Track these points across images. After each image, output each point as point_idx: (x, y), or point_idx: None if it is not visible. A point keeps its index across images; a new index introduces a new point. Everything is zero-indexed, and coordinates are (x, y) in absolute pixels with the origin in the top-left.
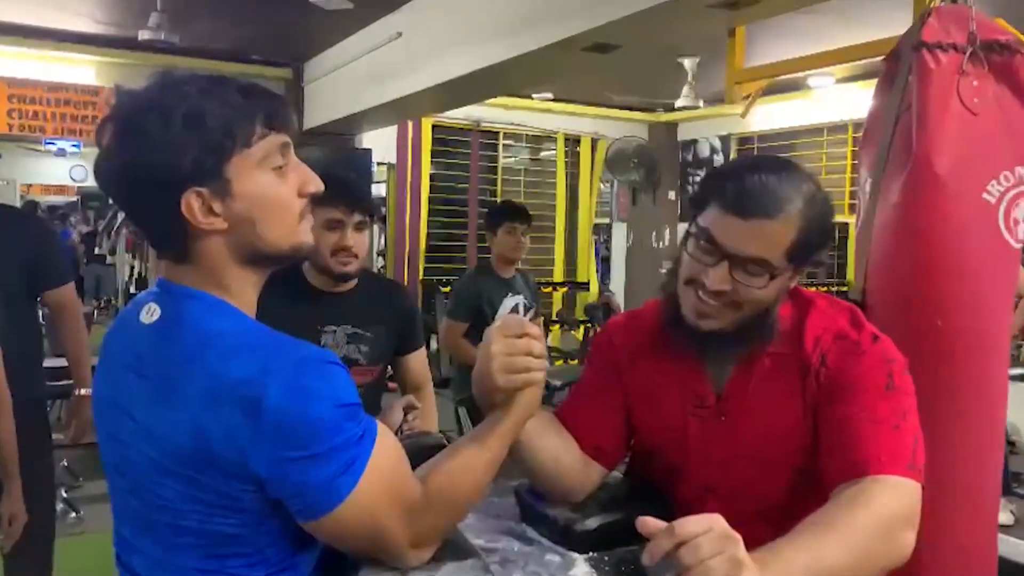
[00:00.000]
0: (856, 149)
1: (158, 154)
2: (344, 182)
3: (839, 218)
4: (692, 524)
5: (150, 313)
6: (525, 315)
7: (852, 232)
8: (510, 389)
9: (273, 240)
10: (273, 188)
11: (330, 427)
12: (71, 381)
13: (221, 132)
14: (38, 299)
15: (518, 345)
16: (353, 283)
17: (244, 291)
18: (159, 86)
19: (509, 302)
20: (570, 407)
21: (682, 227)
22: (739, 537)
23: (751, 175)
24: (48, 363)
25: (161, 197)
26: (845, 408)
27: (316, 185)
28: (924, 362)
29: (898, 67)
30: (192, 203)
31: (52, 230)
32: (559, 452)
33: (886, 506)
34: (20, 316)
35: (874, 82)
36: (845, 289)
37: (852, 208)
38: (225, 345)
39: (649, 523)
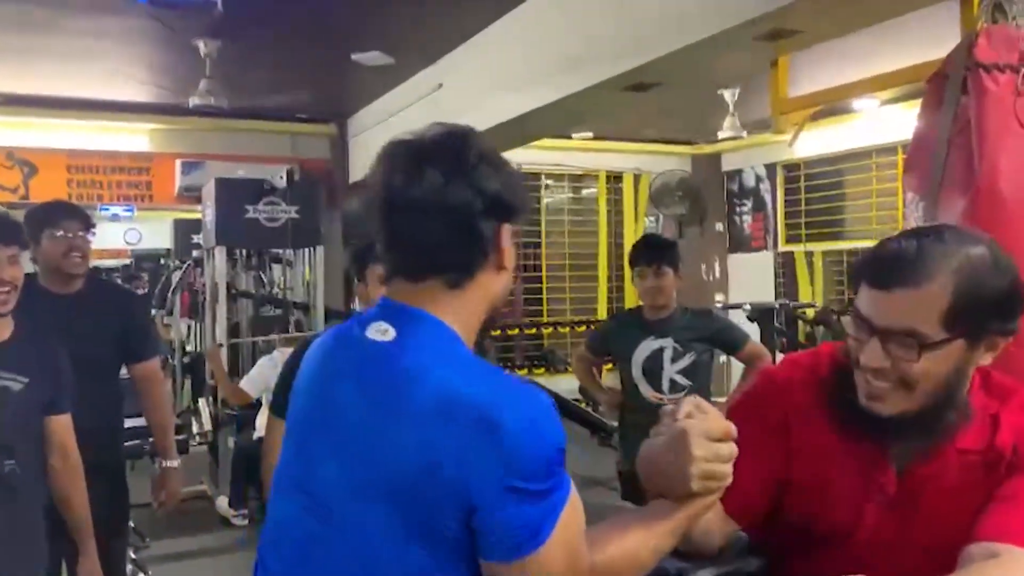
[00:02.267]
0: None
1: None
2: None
3: None
4: None
5: (382, 332)
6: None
7: None
8: (703, 495)
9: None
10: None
11: (553, 467)
12: (138, 442)
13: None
14: (122, 367)
15: (722, 452)
16: None
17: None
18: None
19: (646, 347)
20: None
21: (732, 258)
22: None
23: (893, 244)
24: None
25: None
26: (1014, 484)
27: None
28: None
29: (945, 87)
30: (506, 235)
31: (145, 305)
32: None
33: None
34: (107, 385)
35: (919, 102)
36: None
37: None
38: (461, 365)
39: None
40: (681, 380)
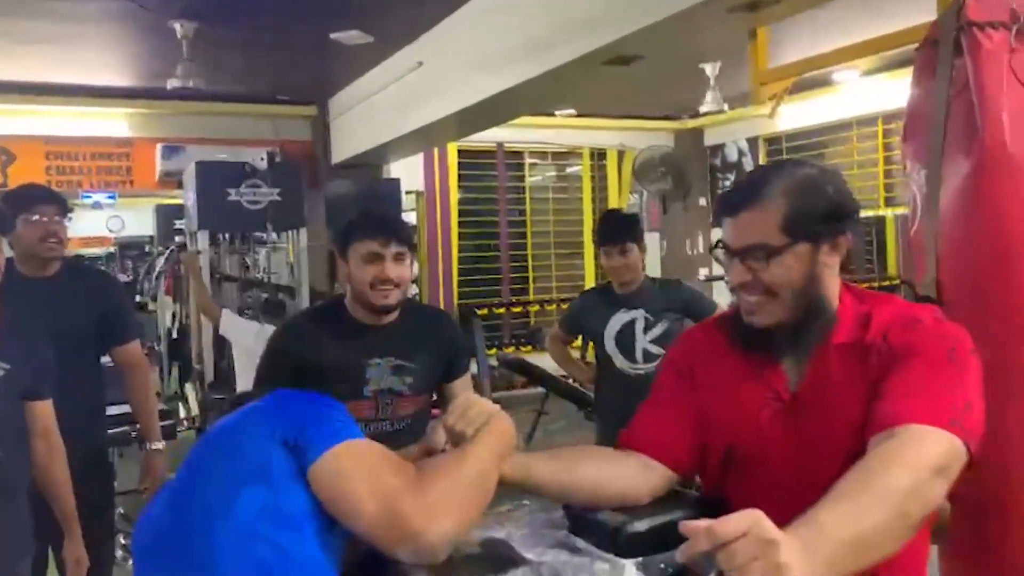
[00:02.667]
0: (887, 141)
1: None
2: (379, 215)
3: (873, 212)
4: (730, 525)
5: None
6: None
7: (890, 226)
8: (473, 430)
9: None
10: None
11: (329, 403)
12: (125, 428)
13: None
14: (103, 351)
15: (463, 404)
16: (396, 315)
17: None
18: None
19: (617, 320)
20: (639, 418)
21: (716, 232)
22: (780, 539)
23: (741, 181)
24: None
25: None
26: (895, 373)
27: None
28: (1009, 350)
29: (937, 53)
30: None
31: (121, 285)
32: (601, 480)
33: (922, 457)
34: (87, 368)
35: (902, 72)
36: (887, 284)
37: (888, 201)
38: None
39: (690, 526)
40: (654, 349)
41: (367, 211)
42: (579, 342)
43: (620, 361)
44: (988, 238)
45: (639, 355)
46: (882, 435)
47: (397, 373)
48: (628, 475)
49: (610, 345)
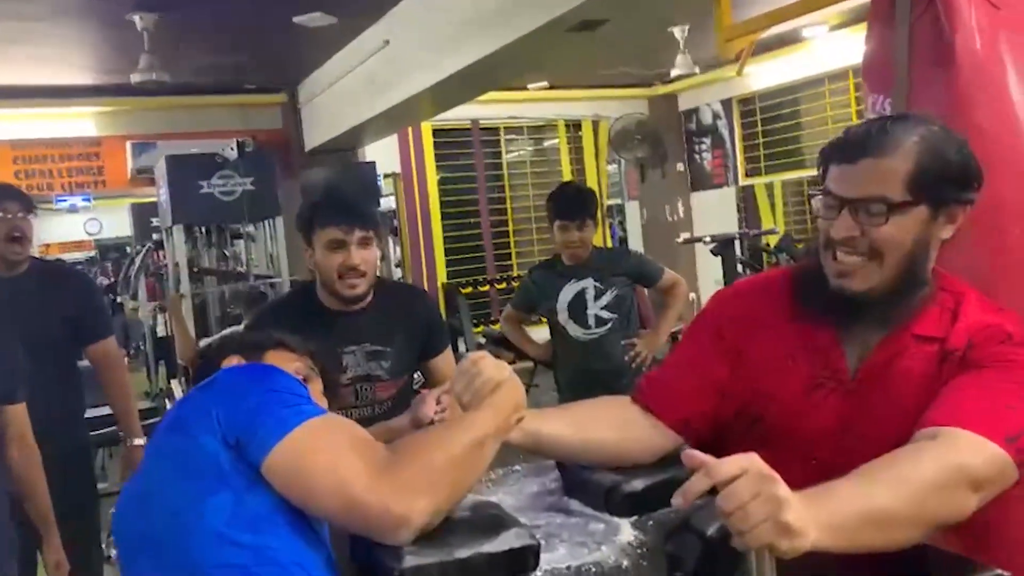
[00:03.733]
0: (859, 95)
1: None
2: (341, 199)
3: None
4: (727, 465)
5: None
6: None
7: None
8: (479, 402)
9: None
10: None
11: (275, 380)
12: (113, 428)
13: None
14: (79, 351)
15: (469, 371)
16: (368, 299)
17: None
18: None
19: (569, 291)
20: (658, 378)
21: (695, 196)
22: (776, 475)
23: (860, 126)
24: (90, 412)
25: None
26: (967, 378)
27: None
28: (996, 275)
29: None
30: None
31: (95, 284)
32: (605, 441)
33: (956, 460)
34: (63, 369)
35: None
36: None
37: None
38: None
39: (695, 456)
40: (605, 315)
41: (329, 195)
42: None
43: (573, 328)
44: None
45: (591, 321)
46: (926, 432)
47: (373, 359)
48: (640, 438)
49: (563, 316)
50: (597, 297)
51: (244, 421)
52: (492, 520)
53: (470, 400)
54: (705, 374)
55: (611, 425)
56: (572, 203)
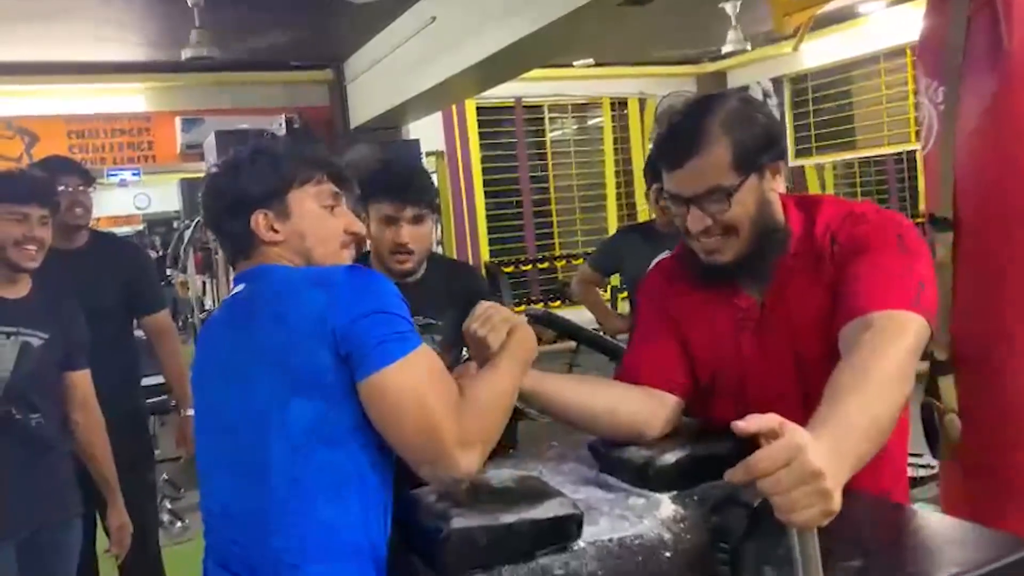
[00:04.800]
0: (917, 73)
1: (237, 186)
2: (397, 173)
3: (905, 147)
4: (770, 460)
5: (235, 290)
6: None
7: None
8: (499, 337)
9: (318, 253)
10: (321, 216)
11: (387, 299)
12: (165, 397)
13: (288, 171)
14: (134, 321)
15: (488, 311)
16: (421, 272)
17: None
18: (255, 144)
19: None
20: (633, 353)
21: None
22: (820, 470)
23: (670, 129)
24: (146, 381)
25: (237, 217)
26: (853, 267)
27: (358, 228)
28: None
29: None
30: (259, 220)
31: (149, 257)
32: (613, 402)
33: (905, 342)
34: (118, 338)
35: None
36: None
37: (919, 136)
38: (296, 269)
39: (738, 424)
40: None
41: (385, 168)
42: (607, 294)
43: None
44: (1015, 158)
45: None
46: (856, 324)
47: (426, 331)
48: (642, 403)
49: None
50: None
51: (358, 338)
52: (535, 490)
53: (486, 335)
54: (667, 334)
55: (616, 390)
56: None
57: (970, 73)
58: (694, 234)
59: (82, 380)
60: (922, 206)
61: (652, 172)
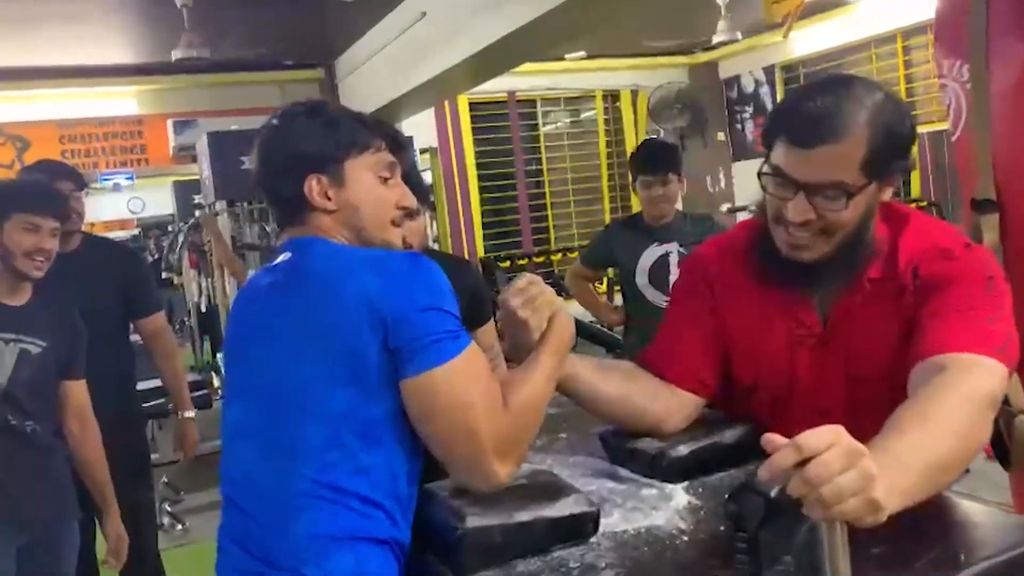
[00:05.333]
0: (908, 59)
1: (292, 145)
2: (406, 154)
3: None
4: (816, 438)
5: (281, 258)
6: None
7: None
8: (541, 322)
9: (369, 227)
10: (375, 188)
11: (441, 293)
12: (162, 400)
13: (347, 137)
14: (130, 324)
15: (528, 289)
16: None
17: None
18: (312, 103)
19: (651, 253)
20: (658, 346)
21: (737, 167)
22: (865, 450)
23: (809, 102)
24: (140, 385)
25: (290, 178)
26: (935, 303)
27: (411, 202)
28: None
29: None
30: (313, 185)
31: (144, 259)
32: (637, 397)
33: (979, 387)
34: (113, 342)
35: None
36: (914, 205)
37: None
38: (347, 249)
39: (774, 439)
40: None
41: (393, 148)
42: (603, 286)
43: (653, 294)
44: None
45: None
46: (932, 364)
47: None
48: (667, 401)
49: (642, 280)
50: (681, 263)
51: (409, 334)
52: (550, 487)
53: (527, 317)
54: (702, 330)
55: (638, 379)
56: (654, 158)
57: (996, 45)
58: (789, 222)
59: (78, 390)
60: (915, 191)
61: (637, 164)
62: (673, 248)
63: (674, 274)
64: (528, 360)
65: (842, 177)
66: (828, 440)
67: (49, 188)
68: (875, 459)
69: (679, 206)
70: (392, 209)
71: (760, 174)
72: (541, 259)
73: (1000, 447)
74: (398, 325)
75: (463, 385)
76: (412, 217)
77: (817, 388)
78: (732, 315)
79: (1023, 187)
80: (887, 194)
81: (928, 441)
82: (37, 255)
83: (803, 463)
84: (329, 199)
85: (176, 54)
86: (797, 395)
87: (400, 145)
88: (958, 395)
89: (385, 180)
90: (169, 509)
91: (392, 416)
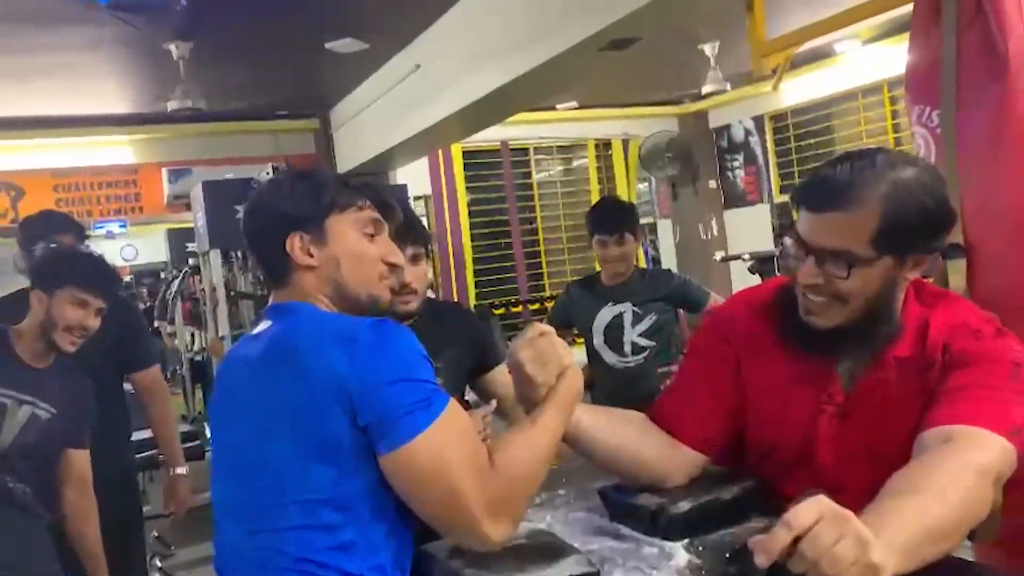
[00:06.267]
0: (894, 109)
1: (275, 206)
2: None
3: None
4: (804, 513)
5: (262, 326)
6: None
7: None
8: (549, 378)
9: (352, 282)
10: (358, 243)
11: (410, 362)
12: (154, 452)
13: (328, 197)
14: (124, 377)
15: (541, 343)
16: (414, 315)
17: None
18: (298, 169)
19: (606, 314)
20: (671, 400)
21: (728, 215)
22: (851, 514)
23: (831, 169)
24: (134, 435)
25: (273, 238)
26: (956, 378)
27: (398, 258)
28: None
29: None
30: (295, 242)
31: (140, 312)
32: (642, 452)
33: (982, 460)
34: (108, 395)
35: (902, 37)
36: None
37: None
38: (322, 317)
39: (761, 543)
40: (643, 342)
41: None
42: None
43: (608, 355)
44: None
45: (627, 348)
46: (938, 433)
47: None
48: (672, 460)
49: (598, 340)
50: (635, 323)
51: (379, 411)
52: (549, 547)
53: (535, 374)
54: (718, 391)
55: (643, 433)
56: (610, 217)
57: (967, 89)
58: (801, 285)
59: (80, 459)
60: None
61: (593, 222)
62: (627, 308)
63: (628, 334)
64: (533, 416)
65: (849, 246)
66: (815, 513)
67: (106, 267)
68: (869, 521)
69: (671, 259)
70: (377, 264)
71: (783, 233)
72: (536, 306)
73: None
74: (367, 403)
75: (441, 453)
76: (416, 262)
77: (836, 461)
78: (756, 377)
79: (990, 232)
80: (914, 272)
81: (923, 503)
82: (77, 331)
83: (797, 539)
84: (311, 255)
85: (172, 104)
86: (814, 466)
87: (387, 206)
88: (959, 463)
89: (371, 237)
90: (160, 564)
91: (371, 490)
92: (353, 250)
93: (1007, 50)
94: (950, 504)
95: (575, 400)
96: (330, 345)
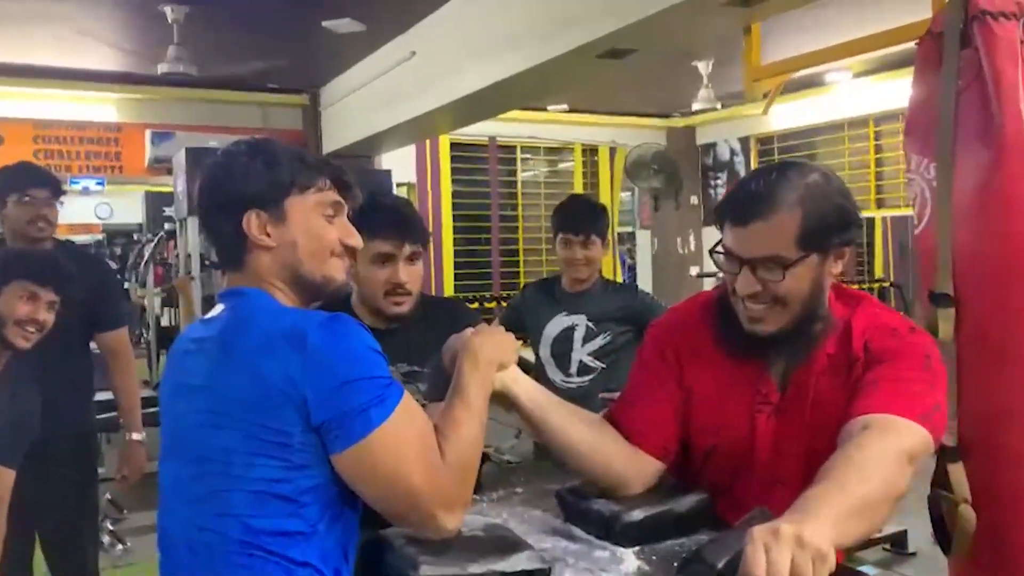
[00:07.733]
0: (879, 143)
1: (233, 182)
2: (393, 208)
3: (866, 212)
4: (752, 557)
5: (216, 311)
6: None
7: (878, 229)
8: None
9: (307, 264)
10: (316, 225)
11: (362, 359)
12: (113, 414)
13: (288, 175)
14: (91, 335)
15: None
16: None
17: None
18: (255, 140)
19: (557, 323)
20: (628, 408)
21: (706, 231)
22: (778, 525)
23: (747, 184)
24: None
25: (229, 215)
26: (873, 373)
27: (356, 241)
28: None
29: (941, 45)
30: (252, 219)
31: (114, 273)
32: (606, 454)
33: (898, 442)
34: (73, 353)
35: (892, 74)
36: (875, 286)
37: (879, 203)
38: (274, 311)
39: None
40: (591, 363)
41: (378, 203)
42: None
43: (552, 371)
44: (1010, 233)
45: (574, 368)
46: (858, 422)
47: (411, 380)
48: (633, 466)
49: (544, 352)
50: (587, 339)
51: (332, 411)
52: (504, 541)
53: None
54: (669, 399)
55: (603, 434)
56: (579, 216)
57: (962, 150)
58: (741, 297)
59: (5, 477)
60: (879, 271)
61: (560, 220)
62: (580, 321)
63: (577, 351)
64: (461, 396)
65: (778, 251)
66: (760, 545)
67: (56, 260)
68: (801, 505)
69: (647, 270)
70: (334, 245)
71: (711, 252)
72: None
73: (942, 533)
74: (320, 404)
75: (394, 450)
76: (413, 261)
77: (774, 457)
78: (697, 382)
79: (979, 284)
80: (837, 267)
81: (847, 484)
82: (29, 325)
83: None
84: (268, 235)
85: (163, 67)
86: (755, 463)
87: (347, 186)
88: (877, 447)
89: (330, 219)
90: (111, 527)
91: (319, 484)
92: (312, 233)
93: (1003, 118)
94: (871, 483)
95: (488, 358)
96: (282, 345)
